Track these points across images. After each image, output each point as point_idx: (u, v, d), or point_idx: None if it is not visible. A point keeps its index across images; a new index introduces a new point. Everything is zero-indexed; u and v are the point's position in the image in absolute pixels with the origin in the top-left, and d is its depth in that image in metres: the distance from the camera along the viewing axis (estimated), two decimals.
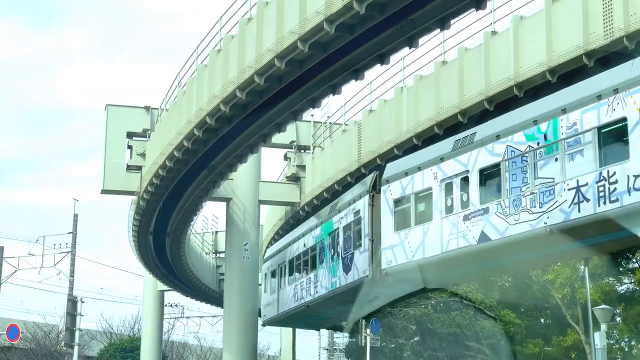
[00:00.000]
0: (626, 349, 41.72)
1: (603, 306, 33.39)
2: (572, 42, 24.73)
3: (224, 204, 47.96)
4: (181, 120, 34.96)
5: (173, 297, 74.74)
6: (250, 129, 33.49)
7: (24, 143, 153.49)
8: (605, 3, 23.67)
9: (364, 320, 38.11)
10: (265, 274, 44.94)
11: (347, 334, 60.17)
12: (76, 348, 36.27)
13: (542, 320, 45.58)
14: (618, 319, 42.65)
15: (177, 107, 36.65)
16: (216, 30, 32.81)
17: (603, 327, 31.61)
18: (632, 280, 42.58)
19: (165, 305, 72.81)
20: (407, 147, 33.08)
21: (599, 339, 31.17)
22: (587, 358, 39.05)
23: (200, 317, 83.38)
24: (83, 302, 36.70)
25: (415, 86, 32.45)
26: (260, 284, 46.26)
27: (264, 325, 46.91)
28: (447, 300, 43.96)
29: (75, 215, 69.13)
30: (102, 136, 42.76)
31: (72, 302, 36.49)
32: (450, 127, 30.70)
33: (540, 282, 42.29)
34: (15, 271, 73.53)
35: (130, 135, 42.33)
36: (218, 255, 61.23)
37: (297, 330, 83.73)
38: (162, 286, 64.58)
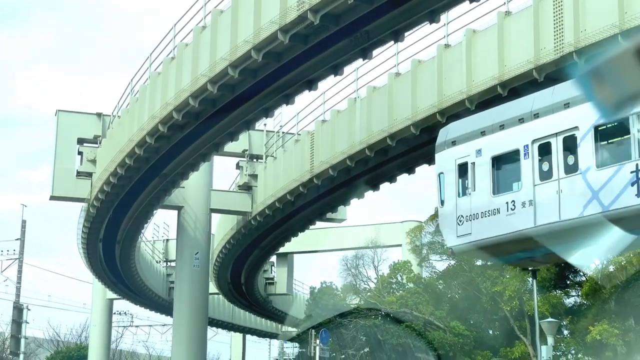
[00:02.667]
0: None
1: (550, 319, 33.72)
2: (524, 56, 25.02)
3: (176, 212, 47.71)
4: (133, 127, 34.72)
5: (122, 305, 74.12)
6: (202, 137, 33.38)
7: None
8: (556, 19, 24.00)
9: (313, 331, 38.11)
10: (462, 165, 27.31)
11: (297, 345, 60.08)
12: (22, 356, 35.79)
13: (491, 332, 45.86)
14: (565, 331, 43.07)
15: (129, 114, 36.40)
16: (170, 38, 32.70)
17: (550, 339, 31.91)
18: (580, 294, 43.08)
19: (114, 314, 72.19)
20: (360, 158, 33.20)
21: (545, 352, 31.46)
22: None
23: (150, 325, 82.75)
24: (29, 309, 36.26)
25: (369, 97, 32.57)
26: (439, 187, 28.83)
27: (454, 254, 28.54)
28: (397, 312, 44.10)
29: (24, 222, 68.12)
30: (52, 143, 42.32)
31: (18, 309, 36.01)
32: (402, 139, 30.87)
33: (489, 293, 42.59)
34: None
35: (81, 141, 41.93)
36: (169, 263, 60.86)
37: (247, 339, 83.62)
38: (111, 294, 64.02)
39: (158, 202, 41.48)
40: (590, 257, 38.90)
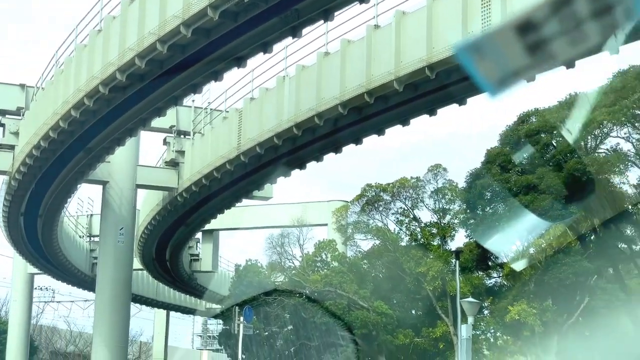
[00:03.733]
0: (491, 340, 42.97)
1: (470, 299, 34.32)
2: (452, 39, 25.25)
3: (100, 186, 47.18)
4: (58, 100, 34.16)
5: (44, 280, 73.16)
6: (129, 112, 33.00)
7: None
8: (484, 2, 24.25)
9: (237, 308, 38.13)
10: None
11: (221, 321, 60.07)
12: None
13: (414, 312, 46.47)
14: (485, 311, 43.88)
15: (54, 87, 35.78)
16: (98, 10, 32.20)
17: (470, 319, 32.50)
18: (501, 275, 43.90)
19: (35, 289, 71.23)
20: (287, 137, 33.22)
21: (465, 330, 32.04)
22: (454, 348, 40.05)
23: (72, 301, 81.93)
24: None
25: (297, 76, 32.56)
26: None
27: None
28: (321, 290, 44.37)
29: None
30: None
31: None
32: (330, 118, 30.99)
33: (413, 274, 43.12)
34: None
35: (3, 113, 41.14)
36: (92, 239, 60.22)
37: (171, 316, 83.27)
38: (32, 269, 63.10)
39: (82, 176, 40.93)
40: (511, 240, 39.74)
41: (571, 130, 39.12)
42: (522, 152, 40.67)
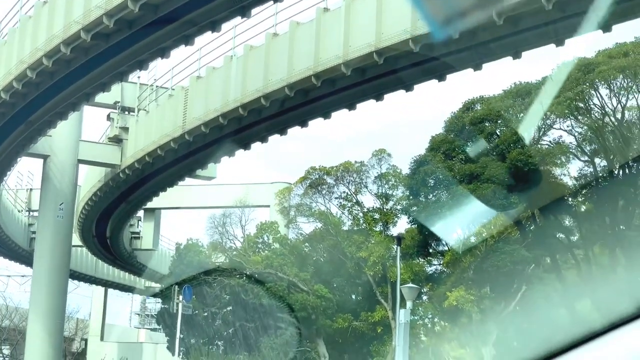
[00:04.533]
0: (429, 325, 43.32)
1: (410, 285, 34.54)
2: (401, 26, 25.31)
3: (41, 160, 46.52)
4: (0, 71, 33.58)
5: None
6: (73, 86, 32.57)
7: None
8: None
9: (177, 287, 37.93)
10: None
11: (160, 300, 59.71)
12: None
13: (354, 296, 46.64)
14: (424, 297, 44.20)
15: None
16: None
17: (409, 304, 32.73)
18: (441, 262, 44.22)
19: None
20: (233, 117, 33.06)
21: (403, 315, 32.25)
22: (392, 333, 40.31)
23: (8, 276, 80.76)
24: None
25: (245, 56, 32.39)
26: None
27: None
28: (262, 272, 44.31)
29: None
30: None
31: None
32: (276, 99, 30.89)
33: (354, 258, 43.25)
34: None
35: None
36: (31, 213, 59.39)
37: (109, 293, 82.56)
38: None
39: (23, 149, 40.33)
40: (452, 228, 40.06)
41: (515, 121, 39.52)
42: (470, 141, 40.92)
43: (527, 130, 39.39)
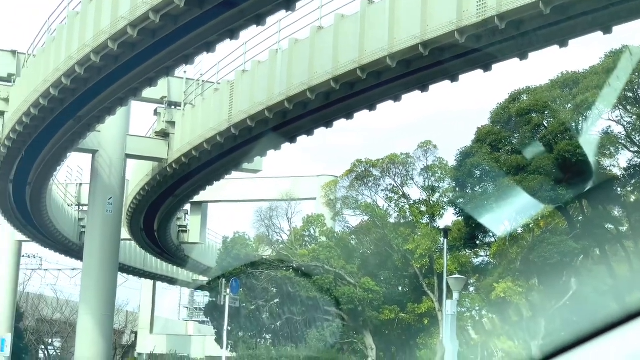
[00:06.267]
0: (476, 318, 43.12)
1: (456, 276, 34.43)
2: (446, 17, 25.18)
3: (90, 155, 47.05)
4: (49, 67, 33.99)
5: (31, 248, 73.05)
6: (120, 81, 32.87)
7: None
8: None
9: (224, 280, 38.16)
10: None
11: (207, 293, 60.16)
12: None
13: (400, 288, 46.62)
14: (472, 289, 44.06)
15: (46, 54, 35.59)
16: None
17: (455, 295, 32.61)
18: (488, 254, 44.01)
19: (23, 256, 71.17)
20: (279, 110, 33.15)
21: (450, 307, 32.16)
22: (439, 324, 40.22)
23: (59, 269, 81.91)
24: None
25: (290, 50, 32.44)
26: None
27: None
28: (308, 265, 44.44)
29: None
30: None
31: None
32: (322, 92, 30.92)
33: (401, 251, 43.20)
34: None
35: None
36: (81, 208, 60.10)
37: (158, 286, 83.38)
38: (20, 236, 63.01)
39: (72, 145, 40.81)
40: (499, 220, 39.83)
41: (562, 111, 39.14)
42: (517, 132, 40.61)
43: (575, 120, 38.98)
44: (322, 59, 30.13)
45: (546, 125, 40.37)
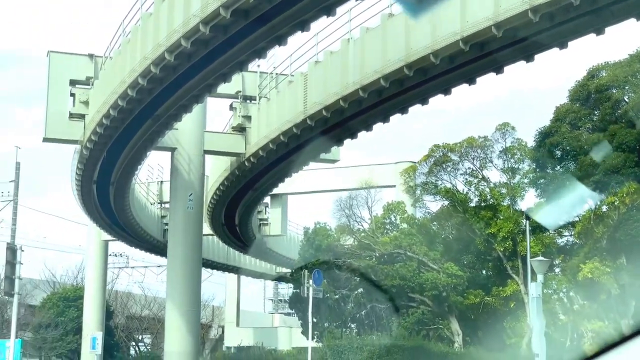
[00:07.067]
0: (564, 299, 42.44)
1: (540, 258, 33.94)
2: None
3: (169, 153, 47.66)
4: (125, 68, 34.53)
5: (117, 246, 74.41)
6: (195, 78, 33.22)
7: None
8: None
9: (306, 271, 38.29)
10: None
11: (291, 285, 60.53)
12: (16, 297, 35.92)
13: (484, 272, 46.19)
14: (557, 270, 43.43)
15: (122, 56, 36.16)
16: None
17: (539, 277, 32.15)
18: (572, 233, 43.32)
19: (110, 255, 72.52)
20: (353, 99, 33.12)
21: (534, 288, 31.74)
22: (525, 308, 39.75)
23: (145, 267, 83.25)
24: (22, 250, 36.28)
25: (362, 38, 32.37)
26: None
27: None
28: (391, 253, 44.33)
29: (17, 163, 68.18)
30: (45, 83, 42.07)
31: (12, 250, 36.03)
32: (396, 79, 30.79)
33: (483, 235, 42.80)
34: None
35: (73, 82, 41.67)
36: (163, 205, 60.96)
37: (242, 280, 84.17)
38: (106, 236, 64.21)
39: (151, 143, 41.41)
40: (582, 199, 39.17)
41: None
42: (597, 109, 39.89)
43: None
44: (394, 47, 30.01)
45: (627, 100, 39.53)
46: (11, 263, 35.34)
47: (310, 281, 37.28)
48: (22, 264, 35.58)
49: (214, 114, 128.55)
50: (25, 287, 50.74)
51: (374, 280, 43.87)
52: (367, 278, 44.56)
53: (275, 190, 53.53)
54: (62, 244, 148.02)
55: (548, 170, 41.58)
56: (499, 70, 30.32)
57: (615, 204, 38.16)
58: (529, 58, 29.19)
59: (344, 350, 39.55)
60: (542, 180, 42.15)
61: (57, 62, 41.92)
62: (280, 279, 78.31)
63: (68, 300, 65.60)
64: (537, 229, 41.36)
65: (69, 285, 71.96)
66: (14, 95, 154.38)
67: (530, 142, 43.11)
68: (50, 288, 71.00)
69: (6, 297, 44.92)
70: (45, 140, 42.09)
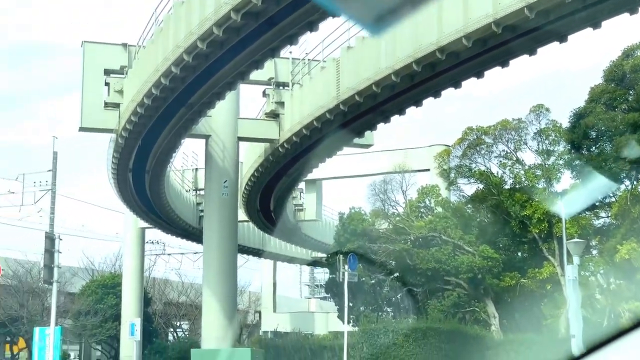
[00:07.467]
0: (601, 281, 42.22)
1: (576, 239, 33.74)
2: None
3: (203, 140, 47.91)
4: (158, 57, 34.75)
5: (154, 234, 74.96)
6: (228, 66, 33.37)
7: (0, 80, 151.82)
8: None
9: (342, 256, 38.40)
10: None
11: (327, 270, 60.70)
12: (55, 285, 36.34)
13: (519, 254, 46.07)
14: (594, 251, 43.21)
15: (155, 44, 36.39)
16: None
17: (575, 259, 31.97)
18: (609, 214, 43.06)
19: (147, 242, 73.07)
20: (386, 84, 33.12)
21: (570, 271, 31.57)
22: (562, 290, 39.63)
23: (182, 253, 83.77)
24: (61, 239, 36.68)
25: None
26: None
27: None
28: (426, 236, 44.34)
29: (55, 153, 68.84)
30: (79, 73, 42.45)
31: (50, 239, 36.45)
32: (428, 64, 30.74)
33: (519, 217, 42.67)
34: None
35: (107, 72, 42.00)
36: (198, 192, 61.32)
37: (278, 266, 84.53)
38: (142, 223, 64.71)
39: (185, 131, 41.67)
40: (618, 179, 38.89)
41: None
42: (632, 89, 39.52)
43: None
44: (427, 30, 29.95)
45: None
46: (50, 252, 35.76)
47: (346, 266, 37.38)
48: (60, 252, 35.98)
49: (248, 101, 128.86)
50: (64, 275, 51.33)
51: (409, 264, 43.92)
52: (402, 262, 44.61)
53: (309, 176, 53.65)
54: (99, 232, 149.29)
55: (583, 152, 41.31)
56: (532, 52, 30.19)
57: None
58: (562, 39, 29.03)
59: (380, 334, 39.67)
60: (577, 162, 41.90)
61: (92, 52, 42.26)
62: (315, 263, 78.53)
63: (106, 288, 66.23)
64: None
65: (107, 272, 72.62)
66: (49, 86, 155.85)
67: (565, 123, 42.86)
68: (89, 276, 71.71)
69: (45, 285, 45.41)
70: (82, 129, 42.50)
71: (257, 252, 74.10)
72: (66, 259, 48.12)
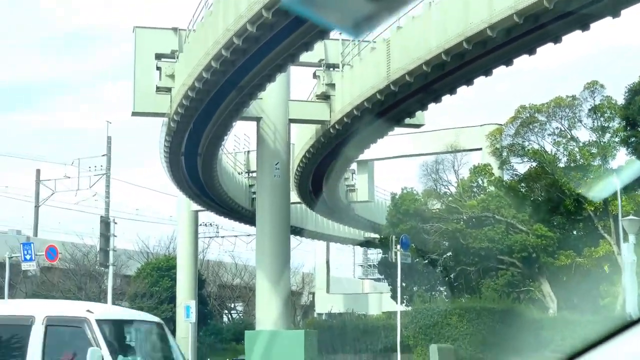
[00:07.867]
0: None
1: (631, 217, 33.19)
2: None
3: (255, 123, 48.08)
4: (208, 41, 34.89)
5: (207, 216, 75.50)
6: (278, 48, 33.40)
7: (55, 65, 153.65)
8: None
9: (394, 236, 38.36)
10: None
11: (380, 251, 60.66)
12: (111, 268, 36.79)
13: (575, 233, 45.60)
14: None
15: (204, 28, 36.54)
16: None
17: (631, 237, 31.36)
18: None
19: (200, 225, 73.60)
20: (436, 63, 32.91)
21: (626, 250, 30.98)
22: (619, 268, 39.16)
23: (235, 236, 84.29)
24: (116, 223, 37.10)
25: (443, 1, 32.07)
26: None
27: None
28: (479, 216, 44.09)
29: (109, 138, 69.70)
30: (131, 58, 42.83)
31: (105, 223, 36.88)
32: (479, 42, 30.47)
33: (573, 195, 42.22)
34: (53, 193, 74.80)
35: (158, 57, 42.28)
36: (250, 174, 61.59)
37: (331, 247, 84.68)
38: (195, 206, 65.20)
39: (237, 114, 41.83)
40: None
41: None
42: None
43: None
44: (476, 8, 29.69)
45: None
46: (105, 235, 36.18)
47: (398, 246, 37.35)
48: (115, 236, 36.40)
49: (298, 83, 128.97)
50: (120, 257, 51.91)
51: (462, 244, 43.74)
52: (455, 242, 44.44)
53: (361, 157, 53.56)
54: (154, 216, 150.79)
55: (639, 128, 40.70)
56: (584, 27, 29.76)
57: None
58: (615, 14, 28.58)
59: (433, 314, 39.61)
60: (633, 139, 41.31)
61: (143, 37, 42.58)
62: (367, 244, 78.46)
63: (161, 270, 66.89)
64: (629, 188, 40.62)
65: (161, 255, 73.34)
66: (102, 72, 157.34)
67: (620, 100, 42.25)
68: (144, 258, 72.50)
69: (102, 268, 46.02)
70: (134, 114, 42.89)
71: (310, 234, 74.26)
72: (121, 242, 48.75)
